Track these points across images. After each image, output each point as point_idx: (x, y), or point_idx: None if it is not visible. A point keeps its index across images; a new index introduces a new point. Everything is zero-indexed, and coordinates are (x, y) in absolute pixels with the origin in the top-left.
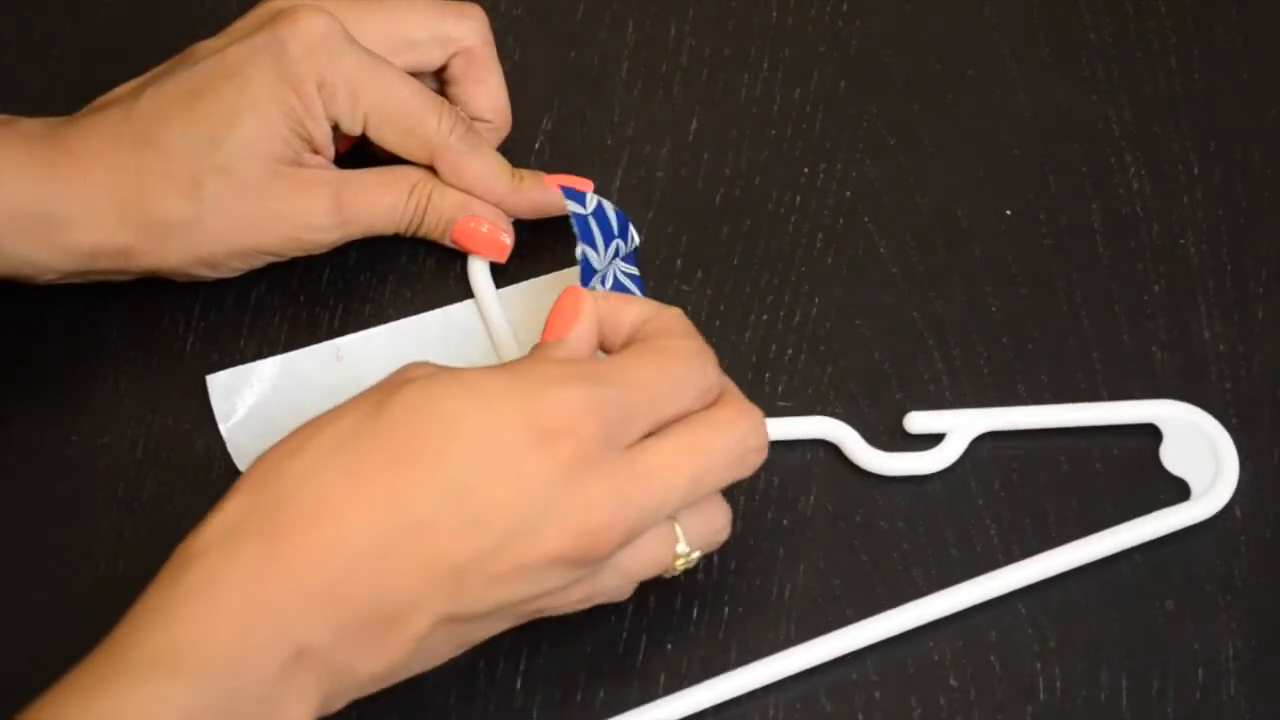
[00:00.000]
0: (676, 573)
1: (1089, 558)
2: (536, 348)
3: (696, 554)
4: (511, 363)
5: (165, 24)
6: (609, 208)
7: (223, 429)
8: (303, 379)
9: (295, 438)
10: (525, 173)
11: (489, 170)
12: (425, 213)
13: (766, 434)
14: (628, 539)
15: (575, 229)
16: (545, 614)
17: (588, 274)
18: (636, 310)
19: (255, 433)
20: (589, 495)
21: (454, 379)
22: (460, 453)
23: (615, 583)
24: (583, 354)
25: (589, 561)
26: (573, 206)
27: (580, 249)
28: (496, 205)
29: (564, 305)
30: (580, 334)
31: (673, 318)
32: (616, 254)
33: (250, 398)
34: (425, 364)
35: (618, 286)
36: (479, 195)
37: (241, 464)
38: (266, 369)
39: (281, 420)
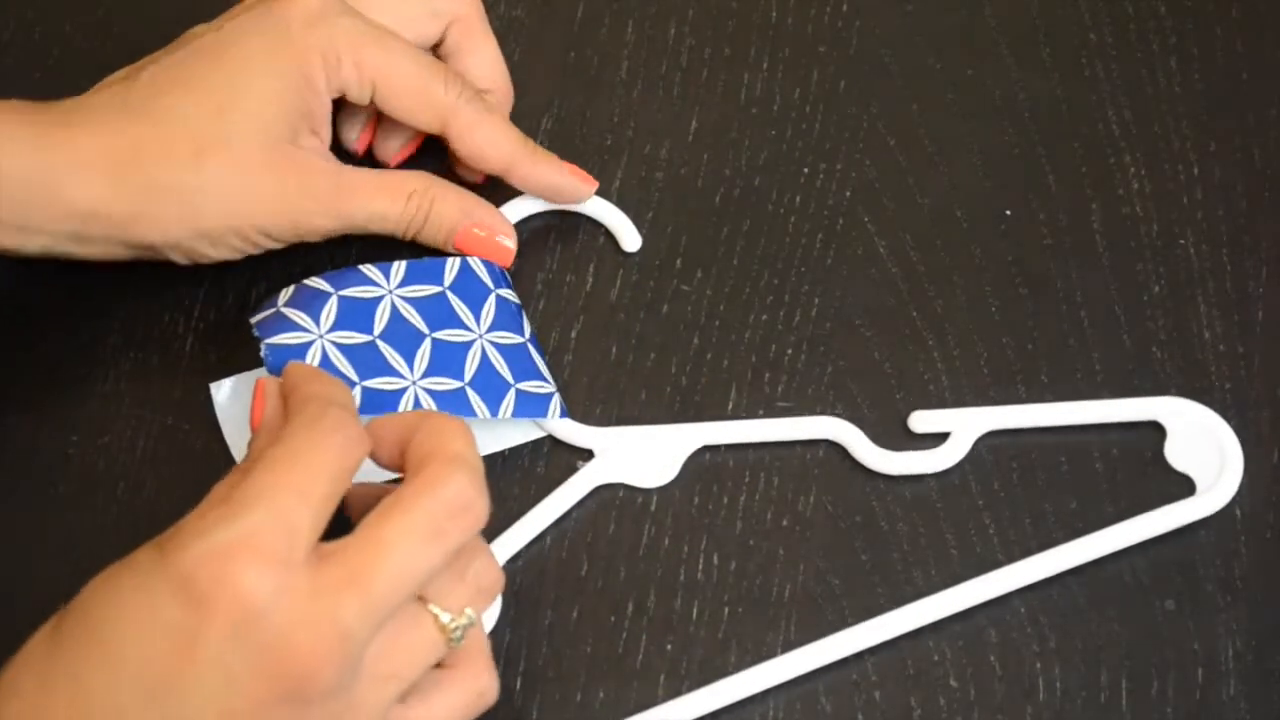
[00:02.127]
0: (457, 641)
1: (1097, 553)
2: (247, 446)
3: (469, 610)
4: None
5: (166, 25)
6: (476, 265)
7: (227, 436)
8: None
9: (21, 648)
10: (539, 148)
11: (502, 132)
12: (426, 220)
13: (472, 486)
14: (344, 661)
15: (258, 334)
16: None
17: (283, 359)
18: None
19: None
20: (274, 636)
21: (119, 563)
22: (128, 638)
23: (386, 691)
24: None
25: (311, 695)
26: (259, 316)
27: (264, 346)
28: (508, 170)
29: (254, 399)
30: (272, 424)
31: (292, 383)
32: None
33: None
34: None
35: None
36: (491, 160)
37: None
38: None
39: None
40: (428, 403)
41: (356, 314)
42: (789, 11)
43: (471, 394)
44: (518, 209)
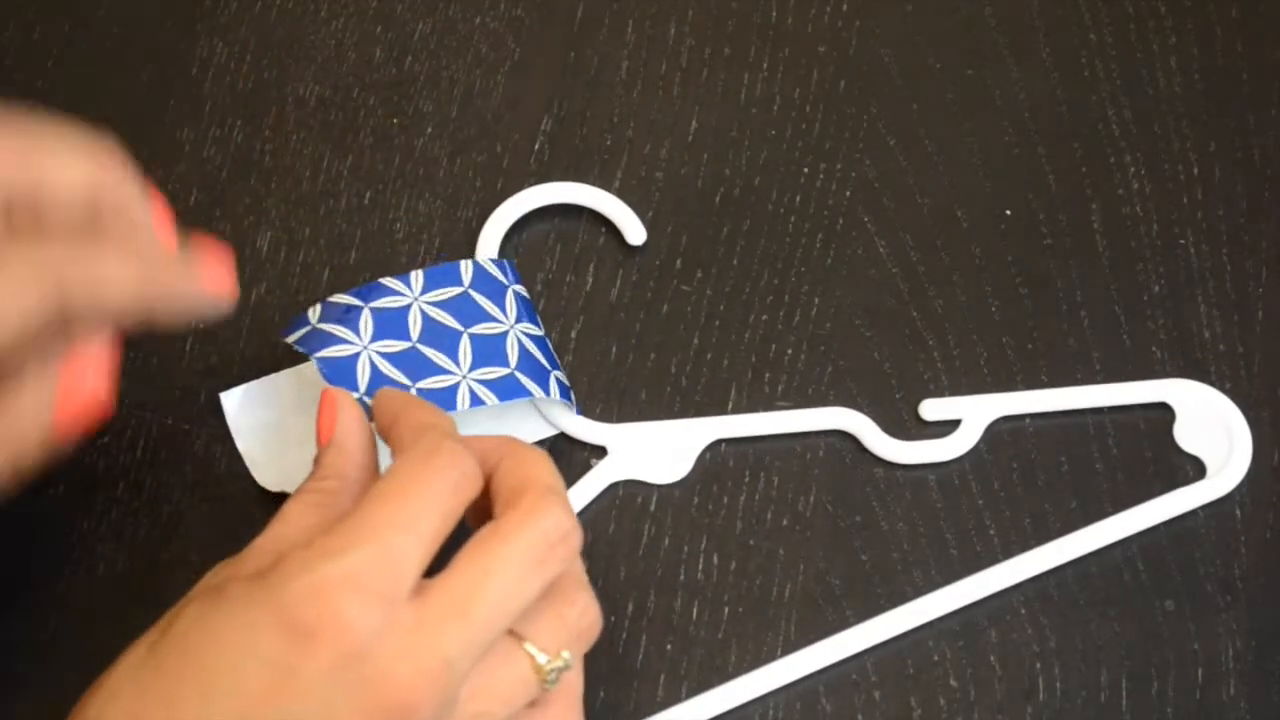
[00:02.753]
0: (551, 683)
1: (1110, 539)
2: (315, 461)
3: (566, 653)
4: (274, 562)
5: (165, 25)
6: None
7: (240, 446)
8: (316, 390)
9: (109, 671)
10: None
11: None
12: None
13: (568, 517)
14: (444, 694)
15: (302, 349)
16: None
17: (339, 371)
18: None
19: (272, 447)
20: (376, 670)
21: (215, 591)
22: (225, 669)
23: None
24: (352, 465)
25: None
26: (294, 336)
27: (315, 360)
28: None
29: (322, 411)
30: (345, 440)
31: (395, 409)
32: (519, 313)
33: (264, 412)
34: (226, 565)
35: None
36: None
37: (261, 479)
38: (279, 381)
39: (297, 432)
40: (484, 394)
41: (391, 323)
42: (789, 11)
43: (521, 377)
44: (514, 208)
